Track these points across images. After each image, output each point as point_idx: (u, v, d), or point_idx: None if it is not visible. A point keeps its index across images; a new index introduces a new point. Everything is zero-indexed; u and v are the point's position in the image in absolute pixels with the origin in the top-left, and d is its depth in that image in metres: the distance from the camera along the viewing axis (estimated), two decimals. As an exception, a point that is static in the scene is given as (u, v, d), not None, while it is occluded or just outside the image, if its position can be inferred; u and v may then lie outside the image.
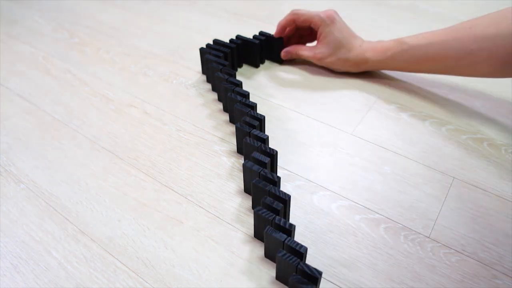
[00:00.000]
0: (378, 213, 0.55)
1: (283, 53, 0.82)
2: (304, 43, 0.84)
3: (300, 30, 0.82)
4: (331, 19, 0.74)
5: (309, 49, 0.79)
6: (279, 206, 0.49)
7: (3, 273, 0.49)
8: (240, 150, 0.64)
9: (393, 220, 0.54)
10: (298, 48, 0.81)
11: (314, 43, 0.81)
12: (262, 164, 0.54)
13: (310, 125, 0.70)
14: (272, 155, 0.56)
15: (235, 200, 0.57)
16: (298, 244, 0.45)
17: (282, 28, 0.80)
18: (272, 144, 0.66)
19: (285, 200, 0.49)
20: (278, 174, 0.61)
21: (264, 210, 0.48)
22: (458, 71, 0.68)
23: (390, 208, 0.56)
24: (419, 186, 0.59)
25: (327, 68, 0.81)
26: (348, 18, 0.98)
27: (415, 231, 0.53)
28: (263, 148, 0.56)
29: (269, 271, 0.49)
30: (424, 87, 0.78)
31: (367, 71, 0.79)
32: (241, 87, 0.69)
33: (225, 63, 0.74)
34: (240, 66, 0.85)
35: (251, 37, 0.82)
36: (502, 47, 0.60)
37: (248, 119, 0.62)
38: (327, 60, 0.77)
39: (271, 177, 0.52)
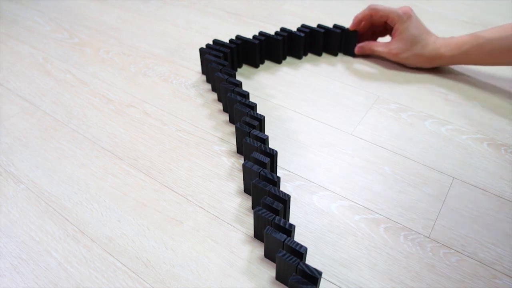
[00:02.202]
0: (378, 213, 0.55)
1: (357, 49, 0.84)
2: (375, 38, 0.86)
3: (374, 26, 0.84)
4: (407, 16, 0.75)
5: (383, 45, 0.81)
6: (279, 206, 0.49)
7: (3, 274, 0.49)
8: (240, 150, 0.64)
9: (393, 220, 0.54)
10: (372, 44, 0.82)
11: (385, 38, 0.84)
12: (262, 164, 0.54)
13: (310, 125, 0.70)
14: (272, 155, 0.56)
15: (235, 200, 0.58)
16: (298, 244, 0.45)
17: (358, 22, 0.82)
18: (272, 144, 0.66)
19: (285, 200, 0.50)
20: (278, 174, 0.61)
21: (264, 210, 0.48)
22: None
23: (390, 208, 0.56)
24: (419, 186, 0.59)
25: (398, 63, 0.82)
26: (348, 18, 0.98)
27: (415, 231, 0.53)
28: (263, 148, 0.56)
29: (269, 271, 0.49)
30: (424, 87, 0.78)
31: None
32: (241, 87, 0.69)
33: (224, 63, 0.74)
34: (240, 66, 0.85)
35: (251, 37, 0.82)
36: None
37: (248, 119, 0.62)
38: (402, 55, 0.78)
39: (271, 177, 0.52)
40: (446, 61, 0.77)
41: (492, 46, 0.70)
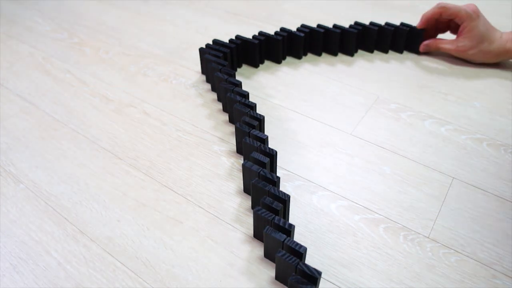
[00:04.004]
0: (377, 213, 0.55)
1: (423, 46, 0.85)
2: (436, 35, 0.87)
3: (437, 23, 0.85)
4: (476, 14, 0.77)
5: (450, 43, 0.82)
6: (279, 206, 0.49)
7: (2, 273, 0.49)
8: (239, 150, 0.64)
9: (392, 220, 0.54)
10: (438, 42, 0.84)
11: (445, 35, 0.86)
12: (262, 164, 0.54)
13: (310, 125, 0.70)
14: (272, 155, 0.56)
15: (234, 200, 0.57)
16: (297, 244, 0.45)
17: (427, 20, 0.83)
18: (271, 144, 0.66)
19: (285, 200, 0.49)
20: (278, 174, 0.61)
21: (264, 210, 0.48)
22: None
23: (389, 208, 0.56)
24: (419, 186, 0.59)
25: (464, 60, 0.83)
26: (348, 18, 0.98)
27: (415, 231, 0.53)
28: (263, 148, 0.56)
29: (268, 271, 0.49)
30: (424, 87, 0.78)
31: None
32: (241, 87, 0.69)
33: (224, 63, 0.74)
34: (240, 66, 0.85)
35: (251, 37, 0.82)
36: None
37: (247, 119, 0.62)
38: (470, 52, 0.80)
39: (270, 177, 0.52)
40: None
41: None
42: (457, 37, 0.82)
